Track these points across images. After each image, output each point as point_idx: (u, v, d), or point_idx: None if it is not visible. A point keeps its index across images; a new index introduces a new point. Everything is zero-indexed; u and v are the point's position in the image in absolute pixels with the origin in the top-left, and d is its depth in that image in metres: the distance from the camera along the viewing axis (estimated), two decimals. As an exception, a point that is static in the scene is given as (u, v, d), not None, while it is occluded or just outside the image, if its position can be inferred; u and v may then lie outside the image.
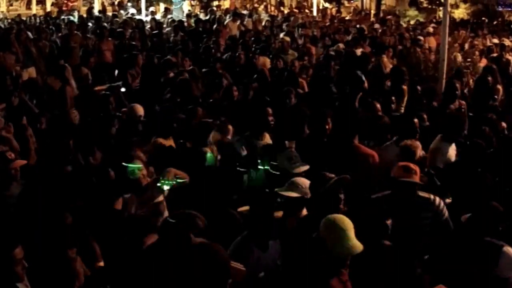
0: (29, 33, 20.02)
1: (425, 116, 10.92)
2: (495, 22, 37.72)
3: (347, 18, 33.85)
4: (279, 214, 7.50)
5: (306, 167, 8.40)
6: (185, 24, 24.97)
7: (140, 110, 11.08)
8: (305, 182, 7.70)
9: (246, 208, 7.41)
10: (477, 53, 20.49)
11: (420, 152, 8.89)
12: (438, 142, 9.93)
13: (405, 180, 7.37)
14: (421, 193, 7.55)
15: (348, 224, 5.80)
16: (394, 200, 7.46)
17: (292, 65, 15.87)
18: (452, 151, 9.84)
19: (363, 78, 13.49)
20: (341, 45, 19.28)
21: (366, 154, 9.16)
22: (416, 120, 9.76)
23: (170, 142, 10.04)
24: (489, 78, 13.67)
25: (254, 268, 6.45)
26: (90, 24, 25.29)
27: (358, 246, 5.72)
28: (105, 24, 25.13)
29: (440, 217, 7.57)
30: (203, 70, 15.16)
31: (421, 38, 21.81)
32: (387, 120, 10.62)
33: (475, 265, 6.36)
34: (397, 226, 6.78)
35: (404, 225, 7.02)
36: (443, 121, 10.37)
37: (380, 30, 25.26)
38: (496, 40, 23.80)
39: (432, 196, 7.60)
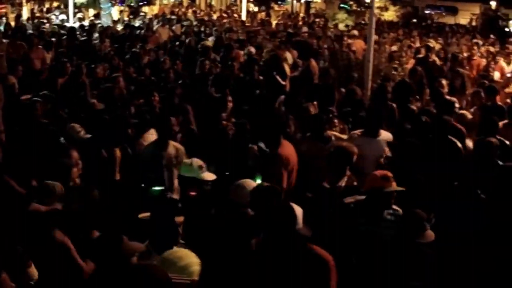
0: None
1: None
2: (424, 24, 38.44)
3: (275, 22, 34.06)
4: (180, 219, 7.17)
5: (214, 177, 8.30)
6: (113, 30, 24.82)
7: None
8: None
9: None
10: (405, 54, 20.78)
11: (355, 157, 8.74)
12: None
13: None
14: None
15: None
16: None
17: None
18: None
19: (282, 81, 13.69)
20: (252, 49, 19.29)
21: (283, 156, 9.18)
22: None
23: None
24: (410, 81, 13.81)
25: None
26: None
27: None
28: (32, 31, 24.64)
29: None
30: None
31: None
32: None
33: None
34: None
35: None
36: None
37: (307, 34, 25.49)
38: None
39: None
